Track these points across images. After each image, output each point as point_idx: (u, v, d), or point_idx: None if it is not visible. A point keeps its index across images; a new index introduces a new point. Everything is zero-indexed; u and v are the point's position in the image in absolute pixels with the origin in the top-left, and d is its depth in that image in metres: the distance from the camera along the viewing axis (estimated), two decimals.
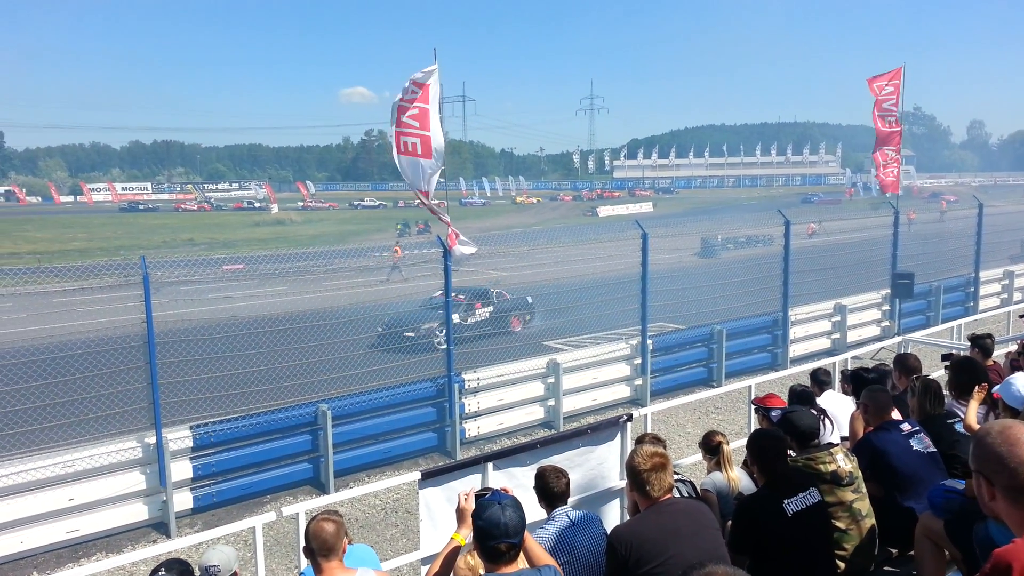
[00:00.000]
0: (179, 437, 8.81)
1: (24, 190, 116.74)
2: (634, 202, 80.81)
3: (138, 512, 8.63)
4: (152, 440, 8.58)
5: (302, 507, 5.33)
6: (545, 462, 4.75)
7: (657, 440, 4.60)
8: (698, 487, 4.83)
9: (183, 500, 8.83)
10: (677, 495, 4.11)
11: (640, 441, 4.54)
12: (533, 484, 4.18)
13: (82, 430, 8.74)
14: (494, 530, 2.96)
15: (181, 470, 8.82)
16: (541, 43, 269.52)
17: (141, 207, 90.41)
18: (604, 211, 70.27)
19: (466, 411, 11.01)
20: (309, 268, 20.91)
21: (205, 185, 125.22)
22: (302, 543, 3.69)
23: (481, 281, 19.46)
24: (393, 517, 9.08)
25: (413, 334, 12.94)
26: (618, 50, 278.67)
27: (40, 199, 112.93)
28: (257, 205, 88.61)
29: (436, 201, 10.92)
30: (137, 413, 8.76)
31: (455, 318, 11.30)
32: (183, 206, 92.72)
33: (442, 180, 10.51)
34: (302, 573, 4.05)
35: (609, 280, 13.47)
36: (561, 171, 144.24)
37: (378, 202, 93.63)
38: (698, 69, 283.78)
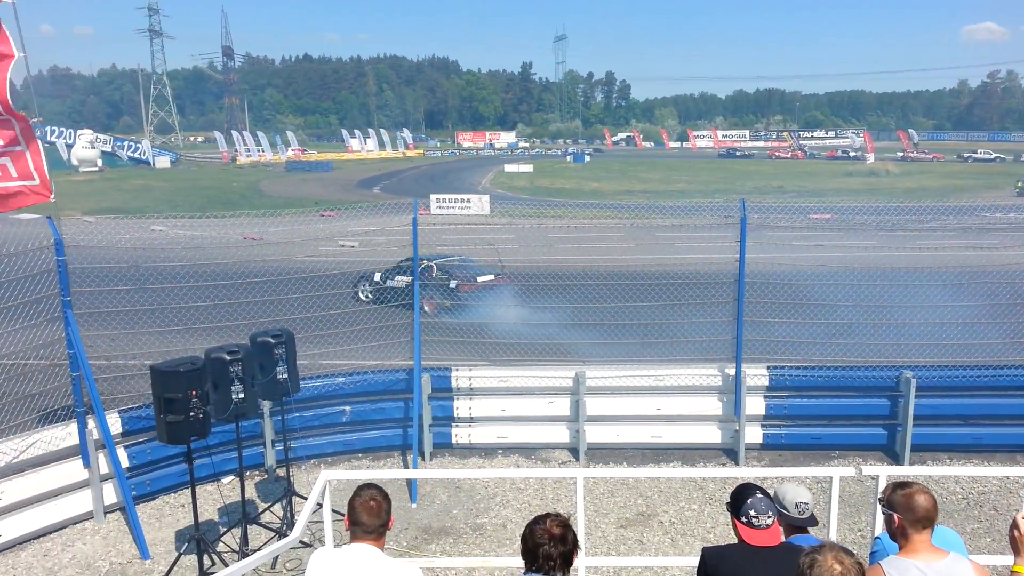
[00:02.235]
0: (756, 374, 9.19)
1: (641, 136, 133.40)
2: None
3: (712, 434, 9.36)
4: (731, 372, 9.12)
5: (883, 470, 5.05)
6: None
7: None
8: None
9: (753, 434, 9.24)
10: None
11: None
12: None
13: (671, 350, 9.78)
14: None
15: (755, 405, 9.21)
16: None
17: (738, 153, 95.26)
18: None
19: None
20: (902, 224, 19.31)
21: (801, 133, 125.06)
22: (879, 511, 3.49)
23: None
24: (976, 511, 8.00)
25: None
26: None
27: (653, 144, 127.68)
28: (852, 154, 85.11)
29: None
30: (720, 344, 9.38)
31: None
32: (777, 153, 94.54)
33: None
34: (877, 538, 3.85)
35: None
36: None
37: (994, 155, 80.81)
38: None
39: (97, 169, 69.53)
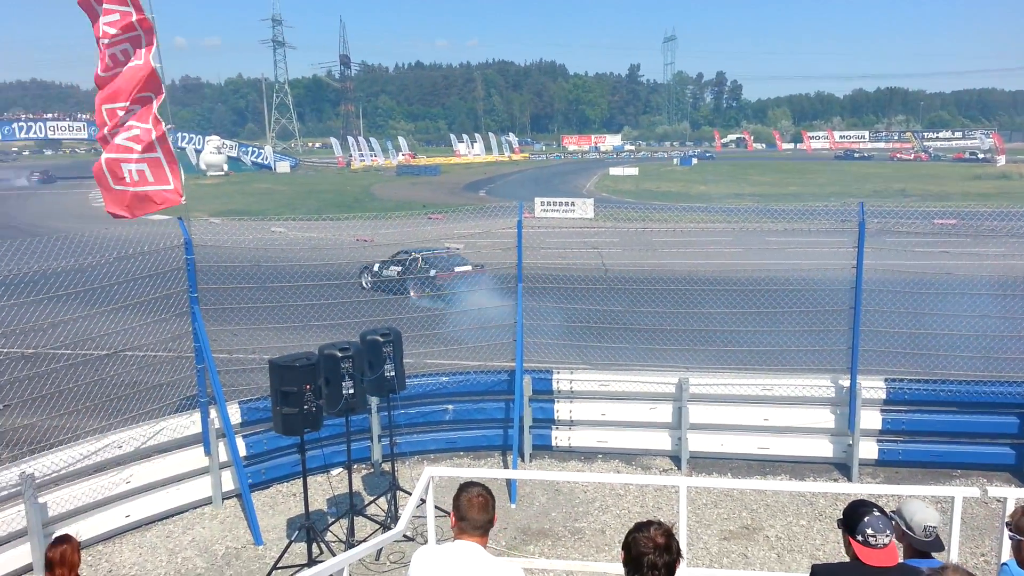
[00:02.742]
0: (872, 386, 8.76)
1: (752, 138, 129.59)
2: None
3: (823, 448, 8.97)
4: (846, 383, 8.73)
5: (1012, 492, 4.72)
6: None
7: None
8: None
9: (868, 449, 8.81)
10: None
11: None
12: None
13: (780, 359, 9.44)
14: None
15: (870, 419, 8.78)
16: None
17: (855, 155, 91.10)
18: None
19: None
20: None
21: (925, 134, 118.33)
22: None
23: None
24: None
25: None
26: None
27: (764, 146, 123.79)
28: (980, 156, 79.86)
29: None
30: (833, 355, 8.99)
31: None
32: (898, 155, 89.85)
33: None
34: (1004, 565, 3.60)
35: None
36: None
37: None
38: None
39: (223, 173, 73.71)
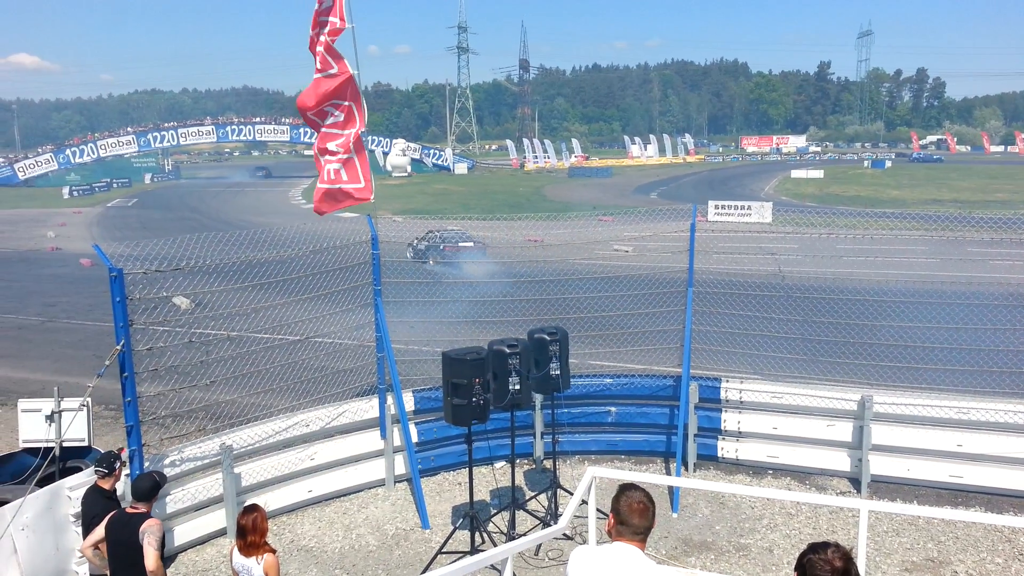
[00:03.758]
0: None
1: (955, 139, 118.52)
2: None
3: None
4: None
5: None
6: None
7: None
8: None
9: None
10: None
11: None
12: None
13: (977, 380, 8.60)
14: None
15: None
16: None
17: None
18: None
19: None
20: None
21: None
22: None
23: None
24: None
25: None
26: None
27: (969, 148, 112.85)
28: None
29: None
30: None
31: None
32: None
33: None
34: None
35: None
36: None
37: None
38: None
39: (406, 174, 77.71)
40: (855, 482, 8.65)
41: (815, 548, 2.85)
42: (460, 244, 22.61)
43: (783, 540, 7.55)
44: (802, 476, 8.92)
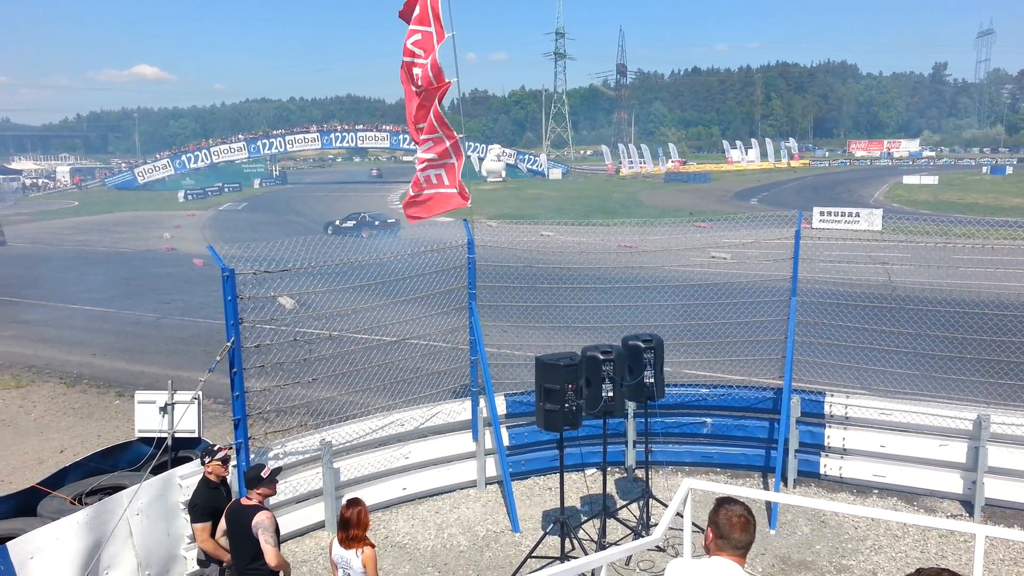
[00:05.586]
0: None
1: None
2: None
3: None
4: None
5: None
6: None
7: None
8: None
9: None
10: None
11: None
12: None
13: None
14: None
15: None
16: None
17: None
18: None
19: None
20: None
21: None
22: None
23: None
24: None
25: None
26: None
27: None
28: None
29: None
30: None
31: None
32: None
33: None
34: None
35: None
36: None
37: None
38: None
39: (501, 180, 78.40)
40: (967, 505, 8.15)
41: (922, 573, 2.69)
42: (388, 221, 34.84)
43: (888, 563, 7.19)
44: (910, 497, 8.47)
